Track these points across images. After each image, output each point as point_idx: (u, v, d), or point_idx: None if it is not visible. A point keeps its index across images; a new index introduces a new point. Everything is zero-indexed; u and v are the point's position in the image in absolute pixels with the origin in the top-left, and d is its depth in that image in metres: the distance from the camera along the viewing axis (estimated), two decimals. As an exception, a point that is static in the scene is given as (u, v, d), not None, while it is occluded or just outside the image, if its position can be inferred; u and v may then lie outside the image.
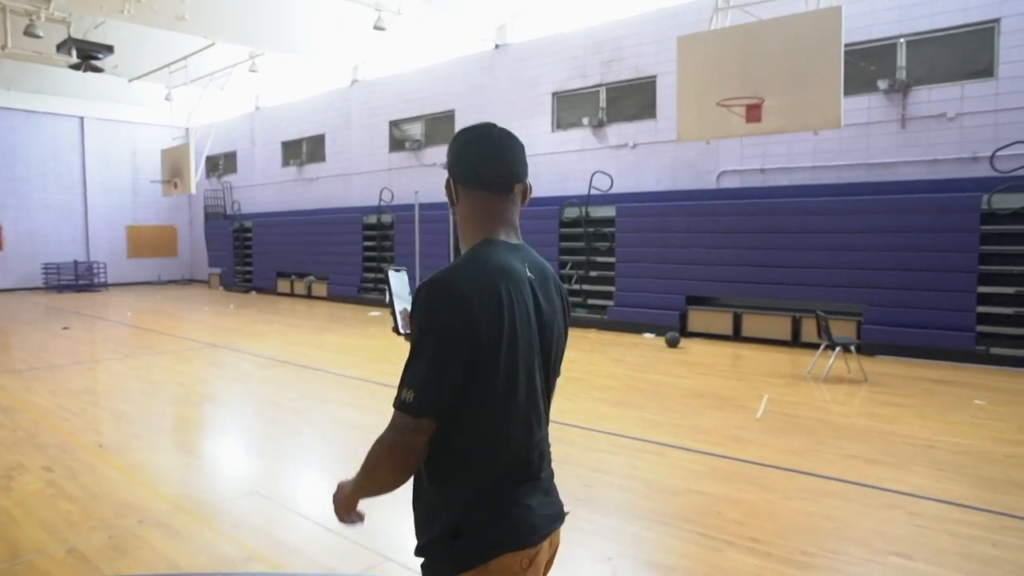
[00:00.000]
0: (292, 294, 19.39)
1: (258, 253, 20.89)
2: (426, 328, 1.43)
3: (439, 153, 16.79)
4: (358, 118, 18.76)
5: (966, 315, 9.16)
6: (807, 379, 8.42)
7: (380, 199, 17.05)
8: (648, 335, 11.80)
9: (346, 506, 1.64)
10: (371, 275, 17.40)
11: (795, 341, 10.54)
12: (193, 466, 5.43)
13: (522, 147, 1.66)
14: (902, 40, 10.28)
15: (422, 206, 16.36)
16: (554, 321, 1.62)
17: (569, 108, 14.44)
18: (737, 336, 11.13)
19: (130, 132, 23.56)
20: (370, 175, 18.50)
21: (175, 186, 17.45)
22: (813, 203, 10.62)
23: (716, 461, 5.44)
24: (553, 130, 14.62)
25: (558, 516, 1.65)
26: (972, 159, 9.81)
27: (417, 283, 1.53)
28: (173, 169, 17.54)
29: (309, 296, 18.80)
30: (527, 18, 15.14)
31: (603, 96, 13.86)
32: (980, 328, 9.09)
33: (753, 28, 7.85)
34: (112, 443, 5.91)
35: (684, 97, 8.31)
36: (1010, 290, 8.94)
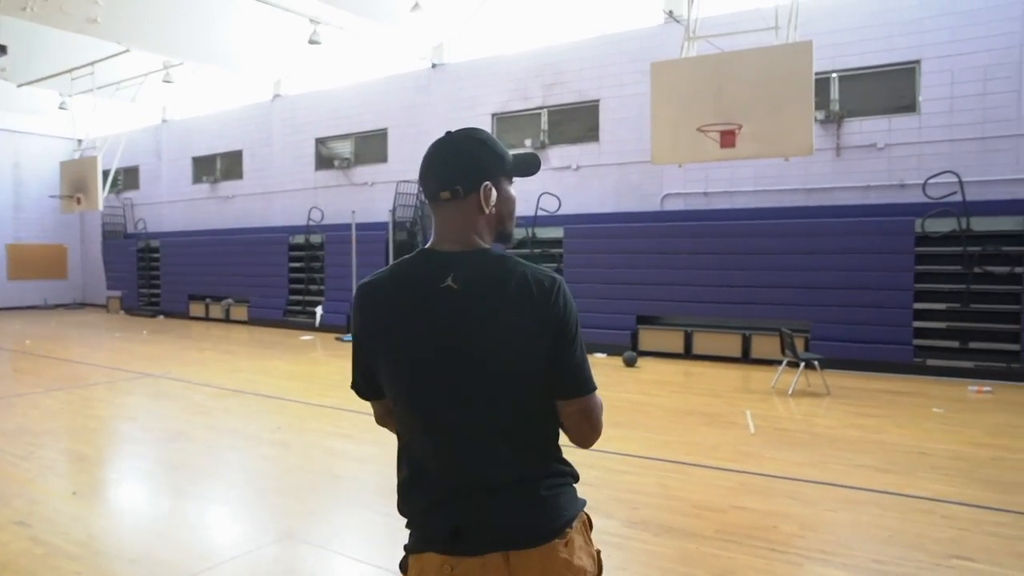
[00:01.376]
0: (207, 318, 18.21)
1: (167, 275, 19.50)
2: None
3: (371, 172, 16.41)
4: (280, 134, 18.03)
5: (904, 330, 9.90)
6: (774, 394, 8.78)
7: (309, 218, 16.39)
8: (600, 355, 11.94)
9: None
10: (298, 297, 16.65)
11: (745, 358, 11.00)
12: (207, 511, 4.92)
13: (457, 151, 1.56)
14: (835, 75, 11.08)
15: (356, 226, 15.89)
16: (492, 329, 1.49)
17: (510, 130, 14.52)
18: (688, 354, 11.48)
19: (13, 142, 21.47)
20: (294, 193, 17.78)
21: (78, 202, 16.01)
22: (760, 226, 11.18)
23: (740, 477, 5.54)
24: (494, 151, 14.62)
25: (507, 539, 1.48)
26: (900, 186, 10.68)
27: None
28: (75, 183, 16.10)
29: (227, 320, 17.73)
30: (465, 39, 15.14)
31: (545, 118, 14.04)
32: (917, 342, 9.84)
33: (727, 58, 8.21)
34: (86, 489, 5.28)
35: (658, 121, 8.54)
36: (942, 306, 9.75)
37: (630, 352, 11.06)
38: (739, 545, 4.25)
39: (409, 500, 1.58)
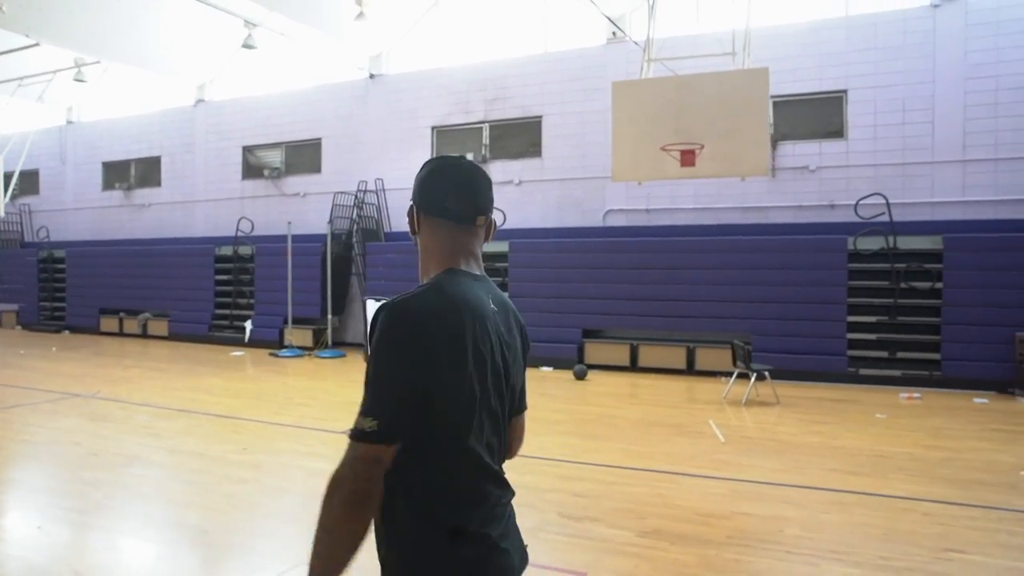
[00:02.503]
0: (121, 333, 17.04)
1: (73, 287, 18.11)
2: (384, 352, 1.40)
3: (302, 182, 15.95)
4: (204, 141, 17.21)
5: (839, 341, 10.55)
6: (726, 404, 9.13)
7: (238, 229, 15.70)
8: (546, 368, 12.04)
9: None
10: (225, 311, 15.88)
11: (690, 369, 11.39)
12: (211, 543, 4.58)
13: (489, 181, 1.66)
14: (771, 100, 11.71)
15: (284, 238, 15.35)
16: (516, 356, 1.62)
17: (450, 143, 14.48)
18: (634, 367, 11.77)
19: None
20: (219, 203, 17.00)
21: (-25, 208, 14.71)
22: (701, 242, 11.64)
23: (729, 484, 5.73)
24: (435, 164, 14.53)
25: (516, 566, 1.55)
26: (830, 206, 11.40)
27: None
28: (-29, 188, 14.78)
29: (144, 336, 16.66)
30: (404, 50, 15.02)
31: (486, 133, 14.11)
32: (850, 352, 10.50)
33: (687, 80, 8.55)
34: (50, 523, 4.83)
35: (619, 139, 8.77)
36: (872, 319, 10.46)
37: (580, 365, 11.22)
38: (753, 549, 4.40)
39: (477, 519, 1.48)
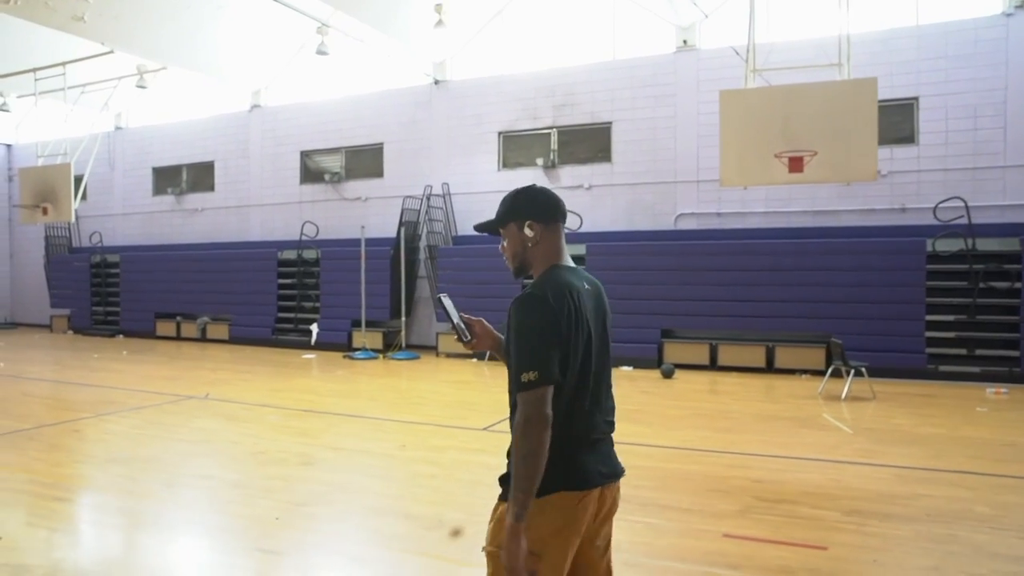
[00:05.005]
0: (179, 337, 17.21)
1: (127, 292, 18.26)
2: (530, 328, 1.98)
3: (364, 187, 16.22)
4: (259, 146, 17.44)
5: (917, 340, 10.96)
6: (822, 400, 9.50)
7: (302, 233, 15.94)
8: (626, 368, 12.37)
9: (519, 545, 1.90)
10: (289, 315, 16.10)
11: (769, 367, 11.77)
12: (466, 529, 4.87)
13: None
14: (842, 108, 12.15)
15: (348, 242, 15.64)
16: (606, 324, 2.22)
17: (517, 148, 14.82)
18: (713, 365, 12.13)
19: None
20: (275, 208, 17.22)
21: (44, 212, 14.83)
22: (779, 245, 12.04)
23: (889, 470, 6.08)
24: (499, 169, 14.88)
25: (610, 474, 2.14)
26: (901, 210, 11.84)
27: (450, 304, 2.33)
28: (40, 192, 14.89)
29: (204, 339, 16.85)
30: (468, 56, 15.33)
31: (554, 138, 14.45)
32: (929, 350, 10.92)
33: (795, 89, 8.93)
34: (286, 516, 5.10)
35: (727, 146, 9.13)
36: (951, 318, 10.89)
37: (668, 364, 11.57)
38: (959, 524, 4.75)
39: (589, 442, 2.09)
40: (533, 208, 2.20)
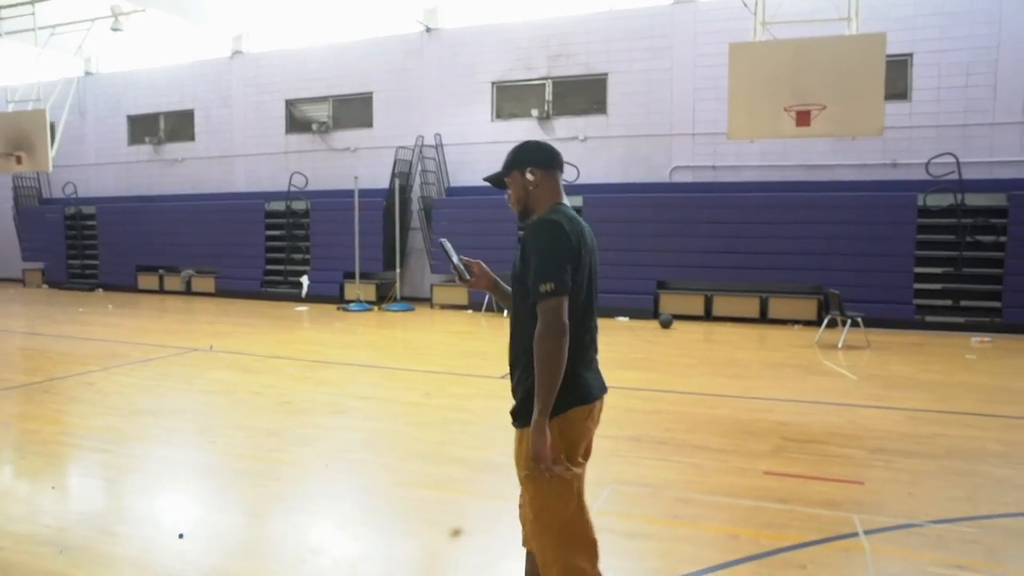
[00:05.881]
0: (162, 291, 16.92)
1: (105, 245, 17.80)
2: (548, 246, 2.21)
3: (353, 136, 15.94)
4: (242, 94, 16.95)
5: (906, 291, 11.37)
6: (819, 348, 9.85)
7: (290, 184, 15.66)
8: (622, 318, 12.61)
9: (545, 436, 2.19)
10: (278, 267, 15.92)
11: (763, 318, 12.10)
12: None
13: None
14: (838, 62, 12.26)
15: (338, 193, 15.45)
16: (596, 261, 2.46)
17: (511, 99, 14.67)
18: (709, 316, 12.43)
19: None
20: (259, 158, 16.86)
21: (18, 161, 14.27)
22: (774, 198, 12.25)
23: (902, 413, 6.39)
24: (493, 120, 14.74)
25: (603, 388, 2.44)
26: (893, 165, 12.11)
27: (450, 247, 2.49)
28: (13, 140, 14.30)
29: (189, 293, 16.59)
30: (460, 4, 15.00)
31: (549, 89, 14.33)
32: (916, 301, 11.34)
33: (804, 43, 8.99)
34: (335, 463, 5.20)
35: (735, 99, 9.20)
36: (938, 270, 11.30)
37: (666, 315, 11.82)
38: (980, 460, 5.07)
39: (585, 361, 2.34)
40: (534, 156, 2.43)
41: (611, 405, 6.58)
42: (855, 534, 3.81)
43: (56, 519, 3.99)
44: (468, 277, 2.55)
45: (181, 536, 3.70)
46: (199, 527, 3.90)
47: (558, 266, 2.17)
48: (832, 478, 4.70)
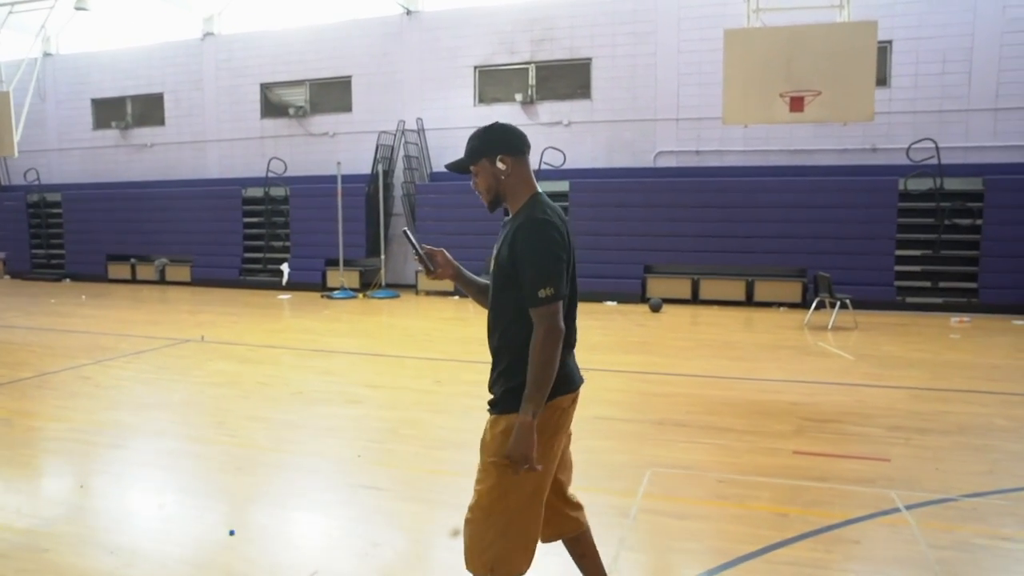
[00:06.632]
0: (134, 280, 16.44)
1: (72, 233, 17.18)
2: (542, 247, 2.19)
3: (331, 121, 15.66)
4: (214, 77, 16.48)
5: (887, 273, 11.69)
6: (808, 329, 10.09)
7: (268, 170, 15.32)
8: (610, 303, 12.70)
9: (533, 438, 2.17)
10: (257, 255, 15.60)
11: (748, 301, 12.32)
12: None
13: None
14: (820, 49, 12.47)
15: (318, 179, 15.19)
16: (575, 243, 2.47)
17: (494, 83, 14.57)
18: (695, 299, 12.60)
19: None
20: (234, 143, 16.45)
21: (-20, 147, 13.67)
22: (758, 182, 12.45)
23: (905, 392, 6.61)
24: (476, 104, 14.63)
25: (581, 376, 2.48)
26: (872, 150, 12.40)
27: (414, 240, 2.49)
28: (-26, 125, 13.67)
29: (163, 282, 16.16)
30: (441, -13, 14.79)
31: (532, 74, 14.27)
32: (897, 283, 11.67)
33: (799, 30, 9.12)
34: (366, 452, 5.16)
35: (729, 84, 9.30)
36: (918, 252, 11.65)
37: (656, 299, 11.94)
38: (989, 435, 5.28)
39: (567, 360, 2.34)
40: (503, 143, 2.32)
41: (623, 389, 6.72)
42: (897, 509, 3.93)
43: (96, 519, 3.89)
44: (432, 268, 2.53)
45: (232, 533, 3.63)
46: (246, 523, 3.84)
47: (555, 270, 2.16)
48: (859, 455, 4.83)
